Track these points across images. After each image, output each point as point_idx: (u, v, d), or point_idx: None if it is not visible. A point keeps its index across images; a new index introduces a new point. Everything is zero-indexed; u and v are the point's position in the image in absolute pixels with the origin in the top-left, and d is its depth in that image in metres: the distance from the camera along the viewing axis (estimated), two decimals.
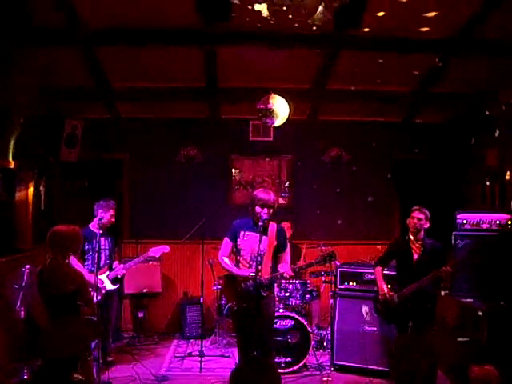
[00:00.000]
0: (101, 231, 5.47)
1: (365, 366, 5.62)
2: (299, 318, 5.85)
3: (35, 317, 5.15)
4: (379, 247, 6.21)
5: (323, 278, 6.78)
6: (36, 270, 4.08)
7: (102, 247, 5.69)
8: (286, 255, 4.87)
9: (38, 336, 4.36)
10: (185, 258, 7.50)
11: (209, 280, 6.73)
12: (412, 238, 4.98)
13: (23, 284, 5.24)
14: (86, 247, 5.67)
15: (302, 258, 6.85)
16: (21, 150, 6.21)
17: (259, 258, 4.62)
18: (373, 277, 5.71)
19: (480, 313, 4.97)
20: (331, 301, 6.12)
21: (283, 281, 6.00)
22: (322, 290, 6.93)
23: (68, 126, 6.99)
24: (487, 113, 6.66)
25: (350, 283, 5.92)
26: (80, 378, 3.83)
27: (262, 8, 4.66)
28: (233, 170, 7.85)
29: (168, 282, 7.56)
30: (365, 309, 5.72)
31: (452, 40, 5.72)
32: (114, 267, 5.84)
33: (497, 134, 6.42)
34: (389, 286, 5.08)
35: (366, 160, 7.75)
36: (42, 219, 6.59)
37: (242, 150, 7.80)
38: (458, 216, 5.61)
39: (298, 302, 6.23)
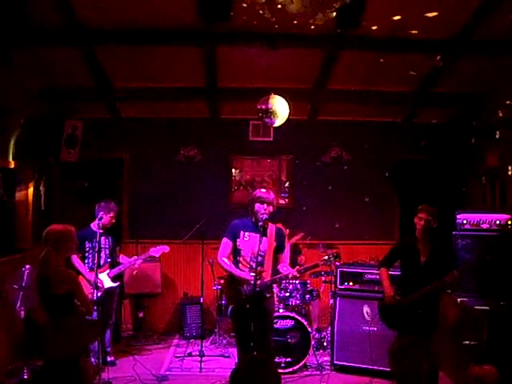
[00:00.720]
0: (101, 230, 5.51)
1: (365, 366, 5.63)
2: (299, 318, 5.85)
3: (35, 317, 5.15)
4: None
5: (323, 278, 6.78)
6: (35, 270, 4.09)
7: (102, 246, 5.74)
8: (285, 256, 4.89)
9: (38, 336, 4.36)
10: (185, 257, 7.50)
11: (209, 280, 6.73)
12: (419, 238, 4.85)
13: (23, 284, 5.24)
14: (87, 246, 5.72)
15: (301, 261, 6.85)
16: (21, 149, 6.22)
17: (259, 259, 4.63)
18: (373, 277, 5.73)
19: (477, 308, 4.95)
20: (331, 301, 6.13)
21: (283, 281, 6.01)
22: (321, 290, 6.93)
23: (68, 126, 7.00)
24: (487, 113, 6.66)
25: (350, 283, 5.92)
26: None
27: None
28: (233, 170, 7.85)
29: (168, 282, 7.56)
30: (366, 309, 5.71)
31: (452, 40, 5.72)
32: (120, 261, 5.99)
33: (497, 134, 6.43)
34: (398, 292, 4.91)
35: (366, 160, 7.75)
36: (41, 219, 6.59)
37: (242, 150, 7.80)
38: (457, 216, 5.61)
39: (298, 301, 6.24)
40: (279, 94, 5.91)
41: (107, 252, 5.86)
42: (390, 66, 6.20)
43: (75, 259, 5.59)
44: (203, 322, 6.68)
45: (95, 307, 5.36)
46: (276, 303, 5.75)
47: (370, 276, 5.81)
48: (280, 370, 5.17)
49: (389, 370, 5.22)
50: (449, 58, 6.02)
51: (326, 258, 4.89)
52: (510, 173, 6.25)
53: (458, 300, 5.36)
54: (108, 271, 5.80)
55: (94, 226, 5.70)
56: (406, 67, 6.21)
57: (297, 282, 6.22)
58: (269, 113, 5.84)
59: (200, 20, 5.26)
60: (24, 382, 5.15)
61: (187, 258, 7.48)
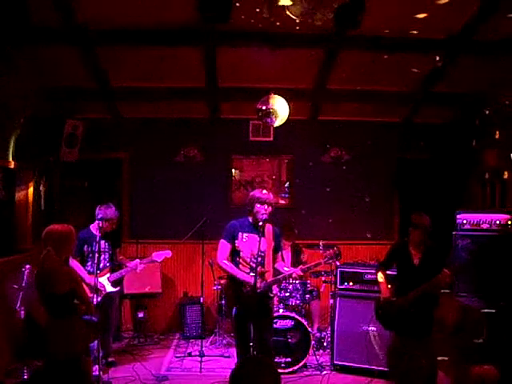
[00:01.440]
0: (101, 234, 5.44)
1: (365, 366, 5.63)
2: (299, 318, 5.85)
3: (35, 317, 5.15)
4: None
5: (323, 278, 6.78)
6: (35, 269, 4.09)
7: (103, 250, 5.66)
8: (283, 254, 4.96)
9: (38, 336, 4.36)
10: (185, 258, 7.50)
11: (209, 280, 6.73)
12: (412, 242, 4.83)
13: (23, 284, 5.24)
14: (86, 249, 5.64)
15: (304, 258, 6.86)
16: (21, 150, 6.22)
17: (259, 259, 4.64)
18: (373, 277, 5.71)
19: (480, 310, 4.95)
20: (331, 301, 6.13)
21: (284, 280, 6.01)
22: (322, 289, 6.93)
23: (68, 126, 6.99)
24: (487, 113, 6.66)
25: (350, 283, 5.91)
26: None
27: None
28: (233, 170, 7.85)
29: (168, 282, 7.56)
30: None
31: (452, 40, 5.73)
32: (124, 262, 5.89)
33: (497, 135, 6.43)
34: (389, 286, 4.97)
35: (366, 160, 7.75)
36: (41, 219, 6.59)
37: (241, 150, 7.80)
38: (457, 216, 5.61)
39: (298, 301, 6.23)
40: (279, 94, 5.91)
41: (106, 256, 5.78)
42: (390, 66, 6.20)
43: (74, 263, 5.38)
44: (203, 322, 6.68)
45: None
46: (276, 303, 5.76)
47: (369, 276, 5.80)
48: (280, 370, 5.16)
49: (388, 370, 5.29)
50: (449, 58, 6.02)
51: (329, 255, 4.91)
52: (505, 177, 6.26)
53: (458, 300, 5.37)
54: (108, 275, 5.72)
55: (93, 227, 5.64)
56: (406, 67, 6.21)
57: (297, 281, 6.22)
58: (269, 113, 5.84)
59: (200, 20, 5.26)
60: (24, 382, 5.15)
61: (187, 257, 7.48)
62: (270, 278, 4.73)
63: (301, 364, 5.75)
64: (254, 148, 7.76)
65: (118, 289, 5.87)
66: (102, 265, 5.68)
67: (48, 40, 5.61)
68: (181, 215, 7.41)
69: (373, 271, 5.75)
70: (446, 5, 5.08)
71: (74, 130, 7.07)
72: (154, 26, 5.60)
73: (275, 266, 4.87)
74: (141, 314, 7.19)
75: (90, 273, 5.45)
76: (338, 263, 6.05)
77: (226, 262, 4.77)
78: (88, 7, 5.22)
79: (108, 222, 5.62)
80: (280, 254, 4.94)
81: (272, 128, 7.33)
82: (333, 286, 6.23)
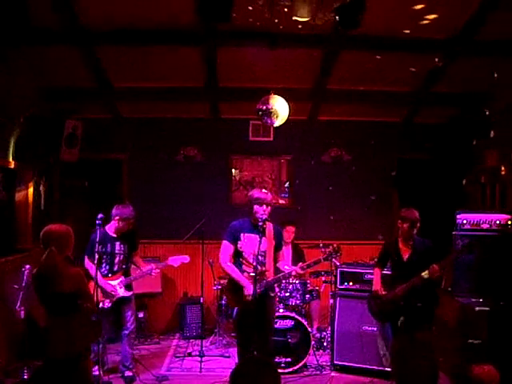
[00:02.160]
0: (115, 235, 5.44)
1: (365, 366, 5.63)
2: (299, 318, 5.85)
3: (35, 317, 5.15)
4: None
5: (323, 278, 6.78)
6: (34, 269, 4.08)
7: (117, 252, 5.45)
8: (283, 253, 4.99)
9: (38, 336, 4.36)
10: None
11: (209, 280, 6.73)
12: (401, 238, 4.95)
13: (23, 284, 5.23)
14: (100, 250, 5.31)
15: (304, 260, 6.86)
16: (21, 149, 6.22)
17: (260, 259, 4.65)
18: (373, 277, 5.73)
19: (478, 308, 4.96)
20: (331, 301, 6.13)
21: (283, 280, 6.01)
22: (321, 290, 6.93)
23: (68, 126, 7.00)
24: (487, 113, 6.66)
25: (350, 283, 5.91)
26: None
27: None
28: (233, 170, 7.85)
29: (168, 282, 7.55)
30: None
31: (452, 40, 5.73)
32: (142, 268, 5.60)
33: (497, 134, 6.43)
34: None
35: (366, 160, 7.75)
36: (41, 219, 6.58)
37: (242, 149, 7.80)
38: (457, 216, 5.61)
39: (298, 301, 6.23)
40: (279, 94, 5.91)
41: (121, 258, 5.48)
42: (390, 66, 6.20)
43: (88, 263, 5.29)
44: (203, 322, 6.68)
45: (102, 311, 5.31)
46: (276, 303, 5.75)
47: (369, 276, 5.79)
48: (280, 370, 5.16)
49: (388, 370, 5.30)
50: (449, 58, 6.02)
51: (328, 252, 4.94)
52: (503, 173, 6.26)
53: (458, 300, 5.37)
54: (121, 279, 5.47)
55: (108, 228, 5.46)
56: (406, 67, 6.21)
57: (297, 281, 6.23)
58: (269, 113, 5.85)
59: (200, 20, 5.27)
60: (24, 382, 5.15)
61: None
62: (270, 277, 4.74)
63: (301, 364, 5.75)
64: (254, 148, 7.76)
65: (131, 293, 5.55)
66: (115, 267, 5.46)
67: (48, 40, 5.61)
68: (181, 215, 7.41)
69: (373, 271, 5.78)
70: (446, 5, 5.09)
71: (74, 130, 7.07)
72: (154, 26, 5.60)
73: (277, 265, 4.88)
74: (141, 314, 7.18)
75: (103, 275, 5.34)
76: (338, 263, 6.06)
77: (229, 264, 4.79)
78: (88, 7, 5.22)
79: (124, 222, 5.42)
80: (281, 253, 4.96)
81: (272, 128, 7.33)
82: (333, 286, 6.23)
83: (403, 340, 4.73)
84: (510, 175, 6.23)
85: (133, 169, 7.74)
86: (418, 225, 4.83)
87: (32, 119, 6.41)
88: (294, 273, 4.82)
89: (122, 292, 5.44)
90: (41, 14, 5.18)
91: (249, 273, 4.72)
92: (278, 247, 4.88)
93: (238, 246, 4.78)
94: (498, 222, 5.47)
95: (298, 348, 5.76)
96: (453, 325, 5.40)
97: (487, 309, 5.00)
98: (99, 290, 5.26)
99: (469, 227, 5.54)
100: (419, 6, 5.14)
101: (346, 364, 5.76)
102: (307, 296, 6.39)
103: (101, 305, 5.31)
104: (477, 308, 5.08)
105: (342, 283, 5.96)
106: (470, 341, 4.96)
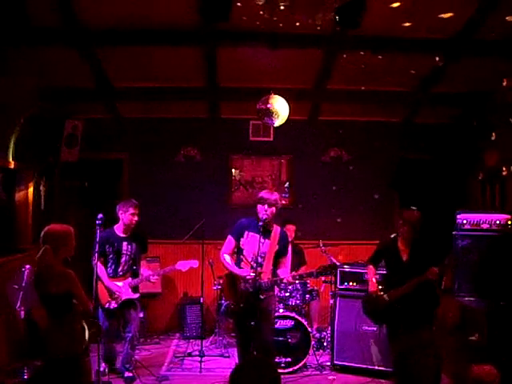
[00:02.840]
0: (123, 235, 5.42)
1: (365, 366, 5.63)
2: (299, 318, 5.85)
3: (35, 317, 5.15)
4: None
5: (323, 278, 6.77)
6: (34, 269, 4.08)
7: (124, 252, 5.41)
8: (287, 261, 4.90)
9: (38, 336, 4.35)
10: (185, 258, 7.47)
11: (209, 280, 6.73)
12: (400, 238, 4.85)
13: (23, 284, 5.22)
14: (108, 250, 5.38)
15: (304, 259, 6.87)
16: (21, 149, 6.22)
17: (259, 260, 4.65)
18: None
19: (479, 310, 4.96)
20: (331, 301, 6.13)
21: (281, 283, 6.01)
22: (321, 289, 6.93)
23: (68, 126, 6.99)
24: (487, 113, 6.66)
25: (350, 283, 5.91)
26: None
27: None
28: (233, 170, 7.85)
29: (168, 282, 7.55)
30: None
31: (452, 40, 5.73)
32: (141, 273, 5.54)
33: (497, 134, 6.43)
34: (380, 287, 4.94)
35: (366, 160, 7.75)
36: (41, 219, 6.58)
37: (242, 150, 7.80)
38: (458, 216, 5.60)
39: (298, 301, 6.23)
40: (279, 94, 5.91)
41: (127, 258, 5.44)
42: (390, 66, 6.20)
43: (97, 264, 5.07)
44: (203, 322, 6.67)
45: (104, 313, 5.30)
46: (276, 303, 5.75)
47: None
48: (280, 370, 5.16)
49: (388, 369, 5.30)
50: (449, 58, 6.02)
51: (322, 267, 4.95)
52: (504, 173, 6.26)
53: (458, 300, 5.37)
54: (129, 280, 5.43)
55: (116, 228, 5.44)
56: (405, 67, 6.22)
57: (297, 282, 6.22)
58: (269, 113, 5.84)
59: (200, 20, 5.27)
60: (24, 382, 5.14)
61: (187, 257, 7.44)
62: (264, 279, 4.70)
63: (301, 364, 5.75)
64: (254, 148, 7.76)
65: (137, 295, 5.49)
66: (121, 268, 5.43)
67: (48, 40, 5.61)
68: (181, 215, 7.41)
69: (366, 270, 5.76)
70: (446, 5, 5.09)
71: (74, 130, 7.07)
72: (154, 26, 5.60)
73: (278, 271, 4.84)
74: (141, 314, 7.17)
75: (109, 276, 5.34)
76: (337, 263, 6.06)
77: (226, 256, 4.86)
78: (88, 7, 5.22)
79: (127, 213, 5.38)
80: (284, 259, 4.87)
81: (272, 128, 7.33)
82: (333, 286, 6.23)
83: (405, 341, 4.73)
84: (510, 175, 6.23)
85: (133, 169, 7.74)
86: (418, 227, 4.76)
87: (32, 119, 6.41)
88: (285, 280, 4.84)
89: (128, 293, 5.40)
90: (41, 13, 5.18)
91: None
92: (282, 253, 4.84)
93: (240, 243, 4.80)
94: (498, 222, 5.46)
95: (297, 348, 5.76)
96: (453, 325, 5.40)
97: (487, 309, 5.00)
98: (105, 290, 5.28)
99: (469, 227, 5.53)
100: (419, 7, 5.14)
101: (346, 364, 5.76)
102: (307, 296, 6.39)
103: (107, 305, 5.32)
104: (477, 308, 5.08)
105: (342, 283, 5.96)
106: (470, 338, 4.96)
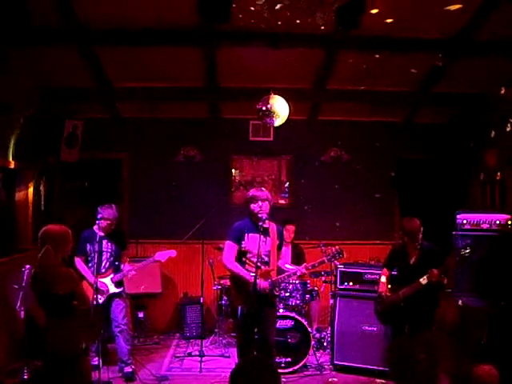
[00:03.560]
0: (102, 233, 5.47)
1: (365, 366, 5.63)
2: (299, 318, 5.85)
3: (35, 317, 5.15)
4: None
5: (323, 278, 6.78)
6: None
7: (104, 249, 5.58)
8: (283, 253, 5.06)
9: (38, 336, 4.35)
10: (185, 258, 7.49)
11: (209, 280, 6.73)
12: (407, 243, 4.96)
13: (23, 284, 5.23)
14: (89, 249, 5.56)
15: (304, 260, 6.86)
16: (21, 149, 6.22)
17: (266, 259, 4.68)
18: (373, 277, 5.77)
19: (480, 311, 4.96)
20: (331, 301, 6.13)
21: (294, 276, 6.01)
22: (321, 289, 6.93)
23: (68, 125, 7.00)
24: (487, 113, 6.66)
25: (350, 283, 5.91)
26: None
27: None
28: (233, 170, 7.85)
29: (168, 282, 7.55)
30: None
31: (452, 40, 5.73)
32: (122, 268, 5.68)
33: (497, 134, 6.43)
34: (389, 286, 5.06)
35: (366, 160, 7.75)
36: (41, 219, 6.58)
37: (241, 150, 7.80)
38: (458, 216, 5.61)
39: (298, 301, 6.23)
40: (279, 94, 5.91)
41: (107, 256, 5.63)
42: (389, 66, 6.20)
43: (78, 262, 5.50)
44: (203, 322, 6.68)
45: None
46: (276, 303, 5.75)
47: (369, 276, 5.81)
48: (280, 370, 5.17)
49: (387, 369, 5.30)
50: (449, 58, 6.02)
51: (331, 253, 4.96)
52: (498, 178, 6.27)
53: (458, 300, 5.37)
54: (112, 276, 5.61)
55: (96, 228, 5.50)
56: (405, 67, 6.22)
57: (297, 281, 6.22)
58: (269, 113, 5.84)
59: (200, 20, 5.27)
60: (24, 381, 5.14)
61: (187, 257, 7.47)
62: (274, 276, 4.74)
63: (301, 364, 5.74)
64: (254, 148, 7.76)
65: (121, 289, 5.68)
66: (104, 265, 5.59)
67: (48, 40, 5.60)
68: (181, 215, 7.40)
69: (373, 271, 5.81)
70: (446, 5, 5.09)
71: (74, 129, 7.07)
72: (154, 26, 5.60)
73: (278, 263, 4.90)
74: (141, 314, 7.19)
75: (92, 273, 5.40)
76: (337, 263, 6.06)
77: (234, 263, 4.77)
78: (88, 7, 5.22)
79: (106, 222, 5.53)
80: (281, 252, 4.99)
81: (272, 128, 7.33)
82: (333, 286, 6.23)
83: (403, 341, 4.75)
84: (510, 175, 6.23)
85: (133, 169, 7.74)
86: (420, 235, 4.83)
87: (32, 119, 6.41)
88: (298, 272, 4.82)
89: (112, 288, 5.58)
90: (41, 13, 5.18)
91: (253, 273, 4.71)
92: (280, 247, 4.91)
93: (242, 245, 4.78)
94: (498, 222, 5.47)
95: (297, 348, 5.76)
96: (453, 325, 5.40)
97: (487, 309, 5.00)
98: (90, 287, 5.31)
99: (469, 227, 5.54)
100: (419, 6, 5.14)
101: (346, 364, 5.77)
102: (307, 296, 6.38)
103: (93, 302, 5.34)
104: (477, 308, 5.08)
105: (342, 283, 5.96)
106: (470, 339, 4.96)
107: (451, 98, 7.00)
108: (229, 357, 6.23)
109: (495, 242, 5.36)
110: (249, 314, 4.65)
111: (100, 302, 5.36)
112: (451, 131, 7.53)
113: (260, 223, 4.65)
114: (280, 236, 4.88)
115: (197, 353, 6.18)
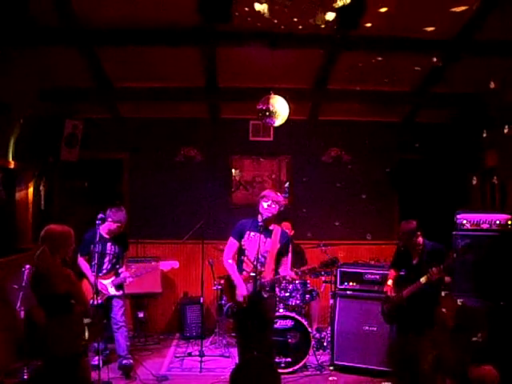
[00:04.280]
0: (107, 236, 5.51)
1: (365, 366, 5.63)
2: (299, 318, 5.85)
3: (35, 317, 5.15)
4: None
5: (323, 278, 6.78)
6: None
7: (107, 252, 5.60)
8: (288, 260, 4.89)
9: (38, 336, 4.35)
10: (185, 258, 7.50)
11: (209, 280, 6.73)
12: (406, 243, 4.99)
13: (23, 284, 5.24)
14: (92, 249, 5.44)
15: (305, 259, 6.86)
16: (21, 149, 6.22)
17: (262, 259, 4.66)
18: (373, 277, 5.78)
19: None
20: (331, 301, 6.13)
21: (277, 283, 6.00)
22: (322, 289, 6.93)
23: (68, 125, 7.00)
24: (487, 113, 6.66)
25: (350, 283, 5.91)
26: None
27: (263, 8, 4.64)
28: (233, 170, 7.85)
29: (168, 282, 7.55)
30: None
31: (452, 40, 5.73)
32: (120, 272, 5.69)
33: (497, 134, 6.42)
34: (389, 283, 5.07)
35: (366, 160, 7.75)
36: (41, 219, 6.59)
37: (241, 150, 7.80)
38: (457, 216, 5.61)
39: (298, 301, 6.23)
40: (279, 94, 5.91)
41: (110, 258, 5.65)
42: (390, 66, 6.20)
43: (82, 262, 5.50)
44: (203, 322, 6.67)
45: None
46: (276, 303, 5.75)
47: (369, 276, 5.81)
48: (280, 370, 5.16)
49: (389, 369, 5.30)
50: (449, 58, 6.02)
51: (324, 262, 4.98)
52: (495, 181, 6.27)
53: (458, 300, 5.37)
54: (113, 278, 5.62)
55: (102, 229, 5.46)
56: (406, 67, 6.21)
57: (297, 281, 6.22)
58: (269, 113, 5.84)
59: (200, 20, 5.27)
60: (24, 382, 5.14)
61: (187, 257, 7.47)
62: (266, 278, 4.71)
63: (301, 364, 5.74)
64: (254, 148, 7.76)
65: (120, 292, 5.67)
66: (106, 267, 5.61)
67: (48, 40, 5.61)
68: (181, 215, 7.41)
69: (373, 271, 5.83)
70: (446, 5, 5.09)
71: (74, 129, 7.07)
72: (154, 26, 5.60)
73: (279, 269, 4.83)
74: (141, 314, 7.19)
75: (93, 275, 5.42)
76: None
77: (230, 261, 4.81)
78: (88, 7, 5.22)
79: (117, 224, 5.58)
80: (286, 259, 4.86)
81: (272, 128, 7.33)
82: (333, 286, 6.23)
83: (404, 340, 4.74)
84: (509, 175, 6.23)
85: (133, 169, 7.74)
86: (417, 237, 4.84)
87: (32, 119, 6.41)
88: (288, 277, 4.79)
89: (112, 291, 5.58)
90: (41, 14, 5.19)
91: (248, 272, 4.72)
92: (283, 252, 4.82)
93: (242, 243, 4.79)
94: (498, 222, 5.47)
95: (297, 348, 5.76)
96: (453, 325, 5.41)
97: (487, 309, 5.00)
98: (90, 286, 5.32)
99: (469, 227, 5.54)
100: (420, 7, 5.14)
101: (346, 364, 5.76)
102: (307, 296, 6.39)
103: (92, 301, 5.34)
104: (477, 308, 5.08)
105: (341, 283, 5.95)
106: (474, 339, 4.97)
107: (451, 98, 7.00)
108: (229, 357, 6.23)
109: (495, 241, 5.35)
110: (239, 312, 4.67)
111: (98, 302, 5.34)
112: (451, 131, 7.53)
113: (260, 222, 4.65)
114: (283, 241, 4.81)
115: (197, 353, 6.18)
